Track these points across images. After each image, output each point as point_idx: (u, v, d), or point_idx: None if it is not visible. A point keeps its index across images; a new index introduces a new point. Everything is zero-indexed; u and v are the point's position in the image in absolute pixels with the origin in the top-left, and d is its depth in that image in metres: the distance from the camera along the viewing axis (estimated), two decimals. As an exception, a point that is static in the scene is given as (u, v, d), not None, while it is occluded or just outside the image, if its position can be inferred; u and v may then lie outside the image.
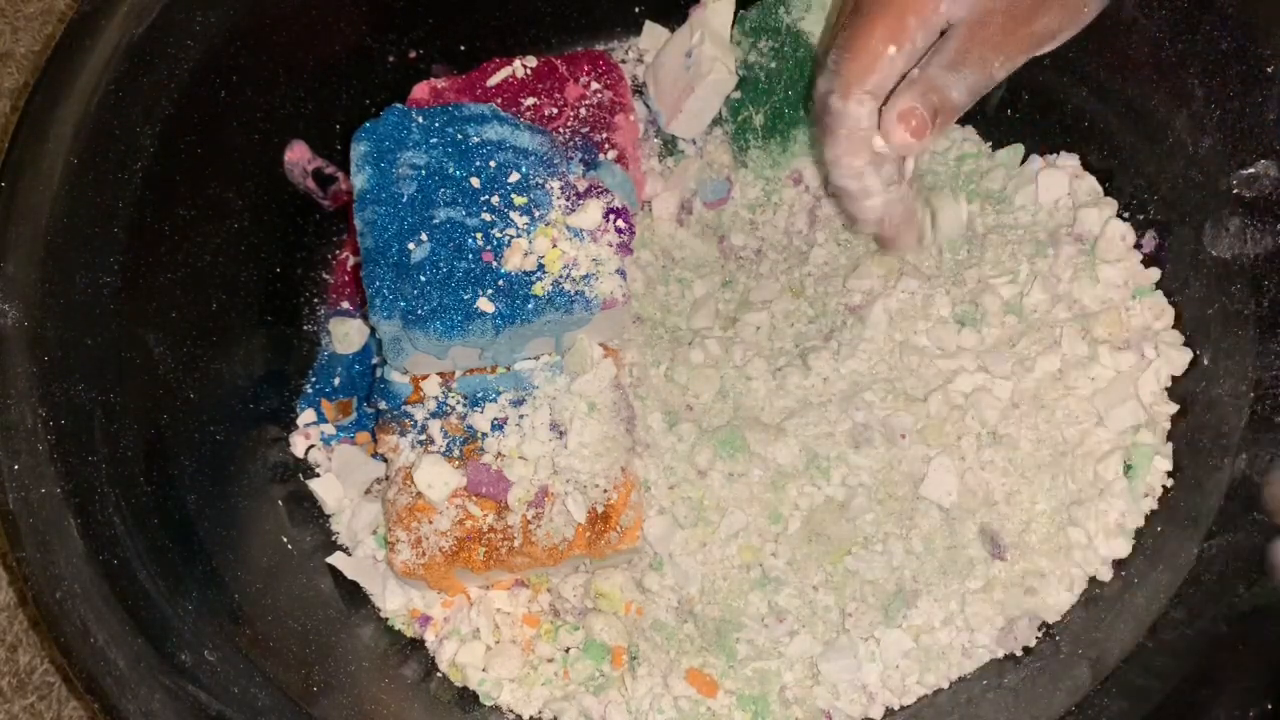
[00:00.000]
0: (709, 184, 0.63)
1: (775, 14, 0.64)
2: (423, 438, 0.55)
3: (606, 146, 0.58)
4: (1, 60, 0.71)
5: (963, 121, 0.64)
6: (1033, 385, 0.56)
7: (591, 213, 0.54)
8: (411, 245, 0.52)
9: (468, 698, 0.55)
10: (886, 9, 0.50)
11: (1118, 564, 0.54)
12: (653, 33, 0.67)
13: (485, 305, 0.51)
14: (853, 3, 0.51)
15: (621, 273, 0.53)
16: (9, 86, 0.70)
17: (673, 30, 0.67)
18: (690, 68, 0.63)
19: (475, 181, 0.54)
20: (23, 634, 0.59)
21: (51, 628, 0.46)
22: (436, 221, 0.53)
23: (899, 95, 0.50)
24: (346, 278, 0.64)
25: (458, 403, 0.55)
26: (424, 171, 0.54)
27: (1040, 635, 0.54)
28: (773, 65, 0.63)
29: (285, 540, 0.57)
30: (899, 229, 0.55)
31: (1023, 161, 0.62)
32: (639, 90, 0.66)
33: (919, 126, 0.50)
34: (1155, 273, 0.57)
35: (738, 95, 0.64)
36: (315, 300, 0.63)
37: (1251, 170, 0.53)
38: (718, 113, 0.65)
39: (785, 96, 0.63)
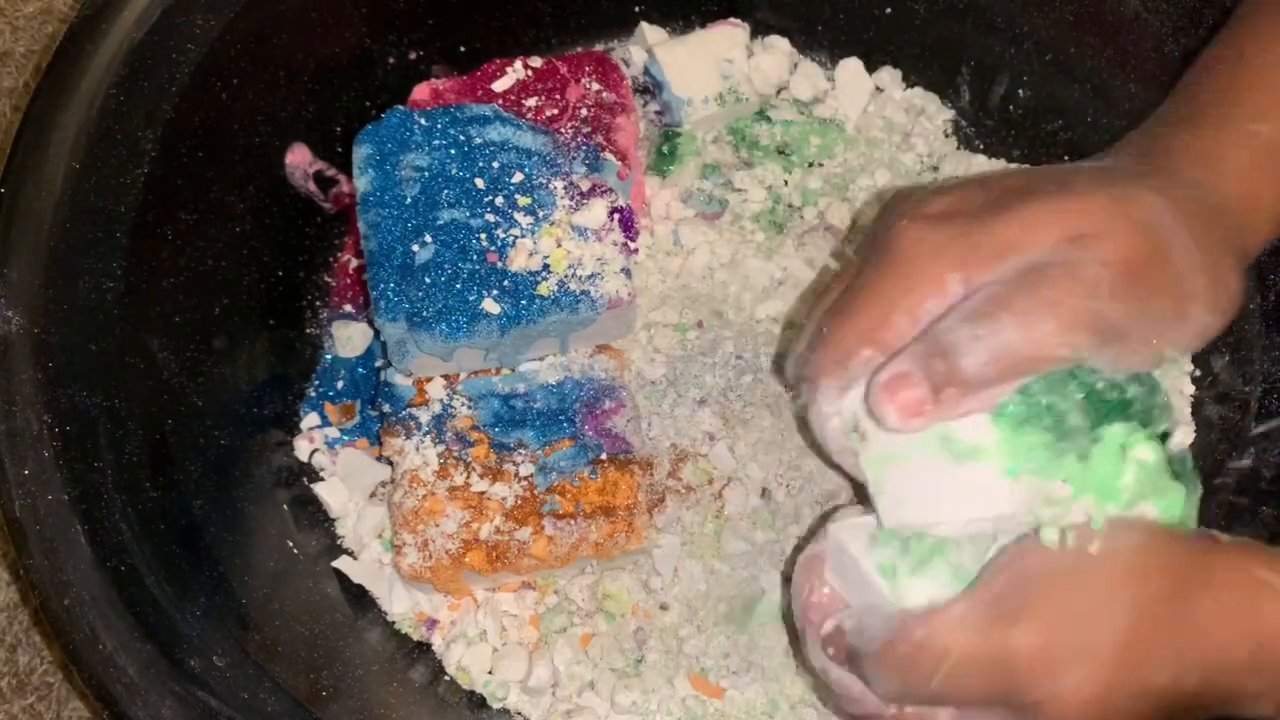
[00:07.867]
0: (703, 196, 0.63)
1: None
2: (426, 440, 0.55)
3: (607, 146, 0.58)
4: (0, 60, 0.71)
5: (961, 117, 0.64)
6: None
7: (596, 212, 0.54)
8: (416, 247, 0.52)
9: (476, 700, 0.55)
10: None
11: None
12: (651, 32, 0.67)
13: (490, 306, 0.51)
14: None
15: (627, 271, 0.53)
16: (8, 86, 0.70)
17: (672, 31, 0.67)
18: (730, 76, 0.63)
19: (479, 182, 0.54)
20: (22, 634, 0.59)
21: (60, 635, 0.45)
22: (440, 223, 0.53)
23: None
24: (349, 280, 0.64)
25: (462, 405, 0.55)
26: (427, 173, 0.54)
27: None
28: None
29: (291, 545, 0.57)
30: None
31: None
32: (639, 90, 0.66)
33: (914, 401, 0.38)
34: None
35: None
36: (318, 303, 0.63)
37: (1255, 165, 0.53)
38: None
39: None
